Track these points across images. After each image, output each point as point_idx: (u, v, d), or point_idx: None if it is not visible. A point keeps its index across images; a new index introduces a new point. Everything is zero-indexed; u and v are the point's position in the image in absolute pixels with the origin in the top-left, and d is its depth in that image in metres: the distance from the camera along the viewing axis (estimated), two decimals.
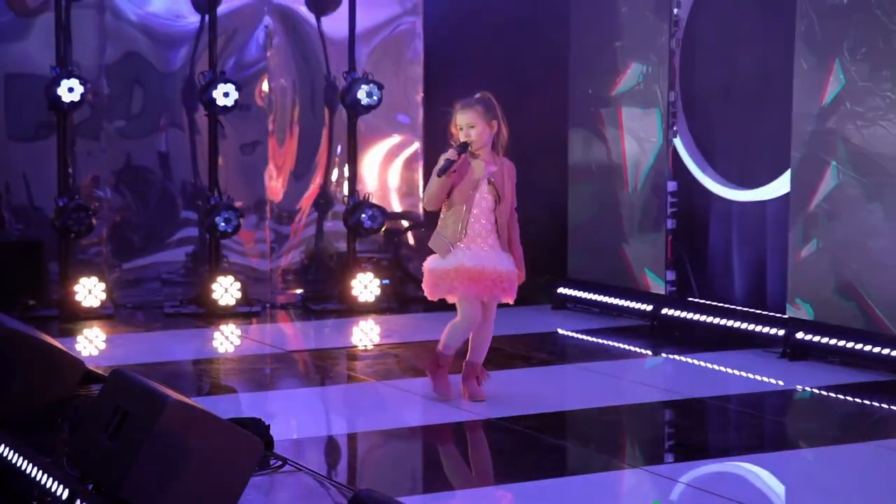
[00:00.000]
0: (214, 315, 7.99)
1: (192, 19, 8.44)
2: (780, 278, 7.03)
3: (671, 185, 7.65)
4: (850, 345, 6.44)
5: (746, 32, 7.31)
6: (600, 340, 7.41)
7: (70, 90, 7.68)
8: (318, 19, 8.73)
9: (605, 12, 8.03)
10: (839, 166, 6.55)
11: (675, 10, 7.60)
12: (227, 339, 7.53)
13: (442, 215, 5.66)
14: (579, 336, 7.57)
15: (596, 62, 8.12)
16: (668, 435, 5.64)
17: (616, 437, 5.50)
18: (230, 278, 8.10)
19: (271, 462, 4.68)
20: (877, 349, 6.32)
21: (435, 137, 8.74)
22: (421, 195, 8.87)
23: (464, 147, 5.54)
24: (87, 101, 7.90)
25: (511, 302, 5.69)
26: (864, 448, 5.19)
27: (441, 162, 5.51)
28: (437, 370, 5.75)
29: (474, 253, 5.55)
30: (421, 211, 8.95)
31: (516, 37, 8.65)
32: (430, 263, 5.67)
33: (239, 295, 8.10)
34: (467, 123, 5.57)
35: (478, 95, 5.64)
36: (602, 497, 4.61)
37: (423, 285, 5.69)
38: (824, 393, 6.08)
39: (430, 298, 5.70)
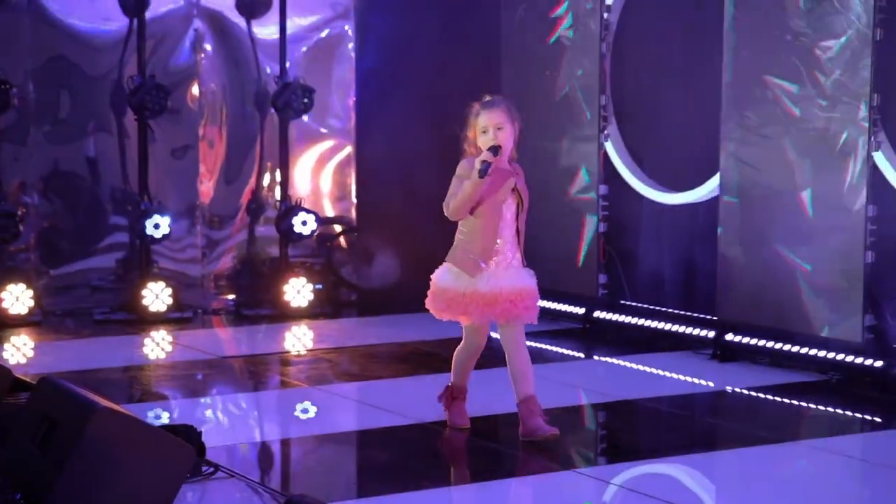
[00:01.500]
0: (145, 321, 7.92)
1: (121, 23, 8.35)
2: (710, 281, 7.11)
3: (602, 189, 7.71)
4: (778, 346, 6.53)
5: (675, 37, 7.38)
6: (533, 343, 7.43)
7: None
8: (248, 23, 8.69)
9: (536, 13, 8.07)
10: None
11: (605, 15, 7.66)
12: (158, 345, 7.46)
13: (463, 228, 5.17)
14: None
15: (528, 63, 8.15)
16: (600, 437, 5.68)
17: (548, 440, 5.51)
18: (161, 284, 8.03)
19: (203, 469, 4.64)
20: (804, 350, 6.41)
21: (367, 141, 8.75)
22: (354, 199, 8.86)
23: (496, 150, 5.02)
24: (14, 106, 7.79)
25: (535, 322, 5.19)
26: (793, 448, 5.27)
27: (477, 165, 4.99)
28: (451, 402, 5.37)
29: (492, 273, 5.08)
30: (354, 215, 8.93)
31: (448, 40, 8.66)
32: (442, 281, 5.17)
33: (170, 301, 8.03)
34: (495, 125, 5.05)
35: (490, 98, 5.17)
36: (534, 500, 4.63)
37: (432, 303, 5.20)
38: (753, 393, 6.16)
39: (438, 318, 5.25)
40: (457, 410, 5.36)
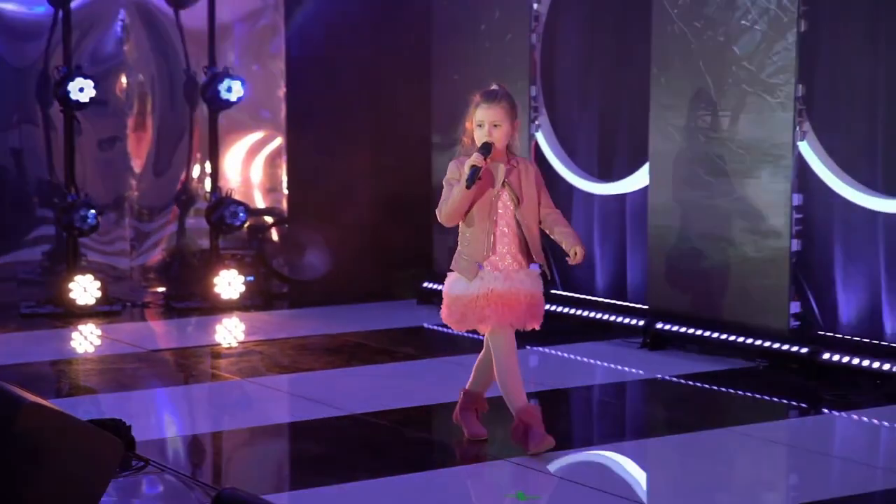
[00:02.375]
0: (73, 315, 7.82)
1: (46, 12, 8.22)
2: (640, 270, 7.17)
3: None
4: (707, 334, 6.60)
5: (605, 26, 7.42)
6: (465, 334, 7.45)
7: None
8: (176, 13, 8.60)
9: (467, 5, 8.08)
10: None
11: (535, 6, 7.68)
12: (86, 339, 7.37)
13: (461, 232, 4.91)
14: (445, 330, 7.59)
15: (460, 56, 8.16)
16: None
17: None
18: (89, 277, 7.93)
19: (133, 463, 4.60)
20: (732, 337, 6.49)
21: (298, 132, 8.71)
22: (285, 190, 8.82)
23: (487, 149, 4.74)
24: None
25: (538, 328, 4.91)
26: (722, 434, 5.33)
27: (466, 170, 4.72)
28: (528, 430, 4.81)
29: (506, 274, 4.80)
30: (285, 207, 8.89)
31: (379, 31, 8.64)
32: (453, 289, 4.86)
33: (99, 294, 7.94)
34: (492, 121, 4.79)
35: (496, 87, 4.88)
36: (467, 489, 4.64)
37: (447, 315, 4.90)
38: (683, 381, 6.22)
39: (455, 329, 4.94)
40: (535, 436, 4.81)
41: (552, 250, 7.74)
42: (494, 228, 4.82)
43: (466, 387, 5.07)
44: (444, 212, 4.85)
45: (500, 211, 4.82)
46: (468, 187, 4.72)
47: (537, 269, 4.88)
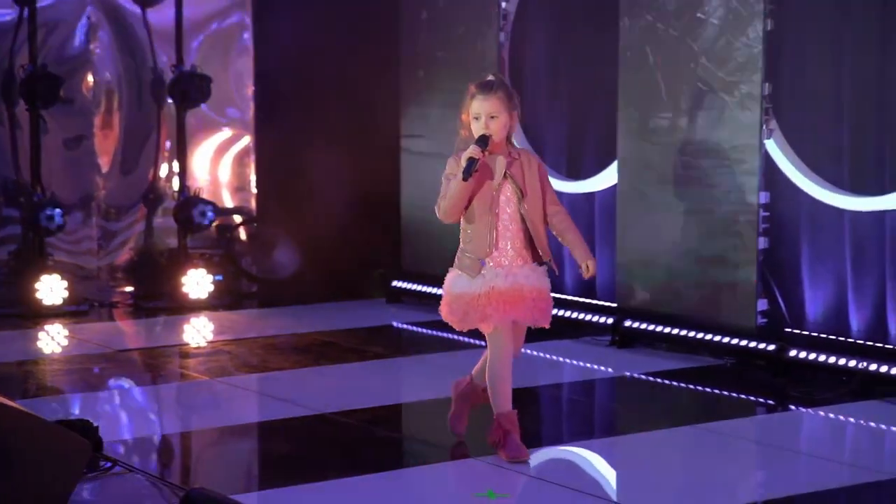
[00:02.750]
0: (40, 315, 7.76)
1: (12, 10, 8.16)
2: (609, 268, 7.19)
3: None
4: (675, 331, 6.63)
5: (573, 24, 7.44)
6: (435, 333, 7.46)
7: None
8: (143, 11, 8.56)
9: (436, 3, 8.08)
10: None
11: (504, 4, 7.69)
12: (53, 339, 7.32)
13: (462, 228, 4.77)
14: (414, 329, 7.61)
15: (428, 54, 8.16)
16: None
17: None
18: (56, 277, 7.88)
19: (101, 464, 4.57)
20: (700, 335, 6.52)
21: (266, 131, 8.68)
22: (253, 189, 8.79)
23: (485, 141, 4.61)
24: None
25: (547, 326, 4.76)
26: (690, 431, 5.36)
27: (463, 162, 4.60)
28: (506, 437, 4.73)
29: (508, 270, 4.66)
30: (253, 206, 8.86)
31: (348, 27, 8.62)
32: (454, 287, 4.71)
33: (66, 294, 7.88)
34: (488, 113, 4.64)
35: (491, 78, 4.74)
36: (437, 488, 4.64)
37: (448, 314, 4.75)
38: (652, 379, 6.25)
39: (458, 329, 4.76)
40: (512, 443, 4.70)
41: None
42: (496, 223, 4.67)
43: (473, 373, 4.93)
44: (443, 207, 4.72)
45: (501, 205, 4.68)
46: (465, 180, 4.59)
47: (542, 265, 4.74)
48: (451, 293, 4.73)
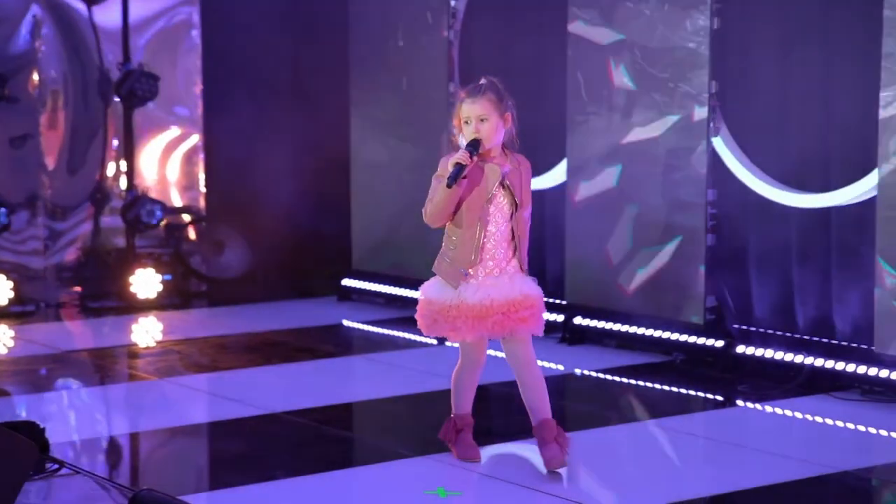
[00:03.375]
0: None
1: None
2: (558, 266, 7.22)
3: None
4: (624, 328, 6.67)
5: (522, 21, 7.46)
6: (386, 331, 7.46)
7: None
8: (89, 9, 8.47)
9: (385, 2, 8.07)
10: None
11: (453, 3, 7.69)
12: None
13: (447, 233, 4.59)
14: (365, 327, 7.60)
15: (375, 52, 8.15)
16: None
17: (402, 426, 5.55)
18: (2, 277, 7.80)
19: (48, 466, 4.53)
20: (649, 332, 6.57)
21: (215, 129, 8.63)
22: (202, 188, 8.73)
23: (475, 146, 4.43)
24: None
25: (540, 334, 4.59)
26: (639, 427, 5.40)
27: (450, 167, 4.41)
28: (456, 435, 4.77)
29: (481, 283, 4.49)
30: (202, 205, 8.81)
31: (297, 25, 8.60)
32: (428, 293, 4.59)
33: (12, 294, 7.81)
34: (477, 116, 4.46)
35: (483, 81, 4.55)
36: (388, 486, 4.64)
37: (419, 318, 4.62)
38: (601, 375, 6.28)
39: (425, 334, 4.67)
40: (464, 443, 4.76)
41: None
42: (483, 233, 4.49)
43: (533, 423, 4.67)
44: (429, 212, 4.51)
45: (491, 214, 4.49)
46: (449, 187, 4.39)
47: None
48: (423, 298, 4.61)
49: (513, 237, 4.53)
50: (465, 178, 4.43)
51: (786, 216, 6.20)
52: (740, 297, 6.41)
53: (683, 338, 6.43)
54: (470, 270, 4.52)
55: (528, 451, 4.95)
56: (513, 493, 4.47)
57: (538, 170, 7.34)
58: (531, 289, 4.53)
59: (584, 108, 6.87)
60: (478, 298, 4.47)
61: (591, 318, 6.85)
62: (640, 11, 6.56)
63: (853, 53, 5.88)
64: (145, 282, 8.11)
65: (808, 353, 5.95)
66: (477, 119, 4.47)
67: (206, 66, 8.67)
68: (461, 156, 4.42)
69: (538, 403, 4.60)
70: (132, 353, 6.99)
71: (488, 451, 4.91)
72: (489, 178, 4.49)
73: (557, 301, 7.16)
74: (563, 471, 4.62)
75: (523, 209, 4.53)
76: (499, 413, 5.86)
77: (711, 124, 6.35)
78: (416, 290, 7.74)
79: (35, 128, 8.41)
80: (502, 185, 4.50)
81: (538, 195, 7.37)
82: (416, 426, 5.56)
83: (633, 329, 6.64)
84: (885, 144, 5.60)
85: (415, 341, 7.22)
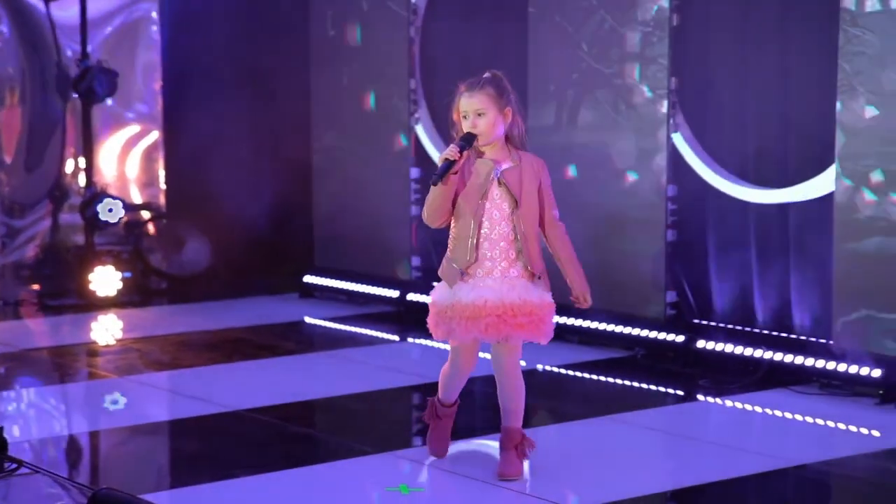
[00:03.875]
0: None
1: None
2: None
3: (414, 172, 7.76)
4: (586, 324, 6.69)
5: (483, 18, 7.46)
6: (348, 328, 7.45)
7: None
8: (46, 5, 8.40)
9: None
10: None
11: (413, 0, 7.69)
12: None
13: (450, 232, 4.44)
14: (327, 324, 7.58)
15: (336, 49, 8.13)
16: (415, 419, 5.72)
17: (365, 423, 5.54)
18: None
19: (6, 465, 4.49)
20: (611, 327, 6.59)
21: (175, 126, 8.57)
22: (162, 185, 8.68)
23: (468, 140, 4.31)
24: None
25: (543, 342, 4.47)
26: (601, 422, 5.42)
27: (439, 163, 4.31)
28: (436, 421, 4.69)
29: (476, 282, 4.36)
30: (162, 201, 8.75)
31: (257, 21, 8.56)
32: (434, 295, 4.46)
33: None
34: (475, 110, 4.32)
35: (487, 74, 4.41)
36: (351, 483, 4.64)
37: (428, 321, 4.50)
38: (564, 371, 6.30)
39: (435, 338, 4.55)
40: (437, 434, 4.69)
41: (434, 244, 7.78)
42: (479, 231, 4.35)
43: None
44: (426, 214, 4.39)
45: (487, 211, 4.35)
46: (434, 184, 4.28)
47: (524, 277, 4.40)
48: (430, 301, 4.48)
49: (515, 237, 4.37)
50: (455, 173, 4.31)
51: (745, 211, 6.24)
52: (700, 292, 6.45)
53: (644, 333, 6.46)
54: (468, 270, 4.38)
55: (490, 447, 4.95)
56: (475, 489, 4.47)
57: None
58: (532, 294, 4.38)
59: (545, 103, 6.88)
60: (471, 298, 4.34)
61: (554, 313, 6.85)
62: (599, 7, 6.57)
63: (811, 50, 5.93)
64: (105, 279, 8.06)
65: (768, 347, 5.99)
66: (474, 113, 4.34)
67: (166, 63, 8.61)
68: (450, 151, 4.29)
69: (510, 411, 4.55)
70: (92, 351, 6.94)
71: (452, 447, 4.91)
72: (481, 173, 4.35)
73: None
74: (525, 464, 4.62)
75: (524, 207, 4.37)
76: (461, 409, 5.86)
77: (671, 120, 6.38)
78: (378, 286, 7.81)
79: None
80: (498, 181, 4.37)
81: None
82: (379, 423, 5.56)
83: (594, 325, 6.66)
84: (842, 140, 5.65)
85: (377, 338, 7.22)
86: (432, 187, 4.33)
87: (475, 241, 4.36)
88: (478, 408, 5.84)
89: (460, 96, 4.38)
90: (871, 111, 5.55)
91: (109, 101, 8.25)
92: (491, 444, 4.98)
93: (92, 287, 8.03)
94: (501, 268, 4.39)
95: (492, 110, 4.34)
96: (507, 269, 4.40)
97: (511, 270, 4.40)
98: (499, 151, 4.41)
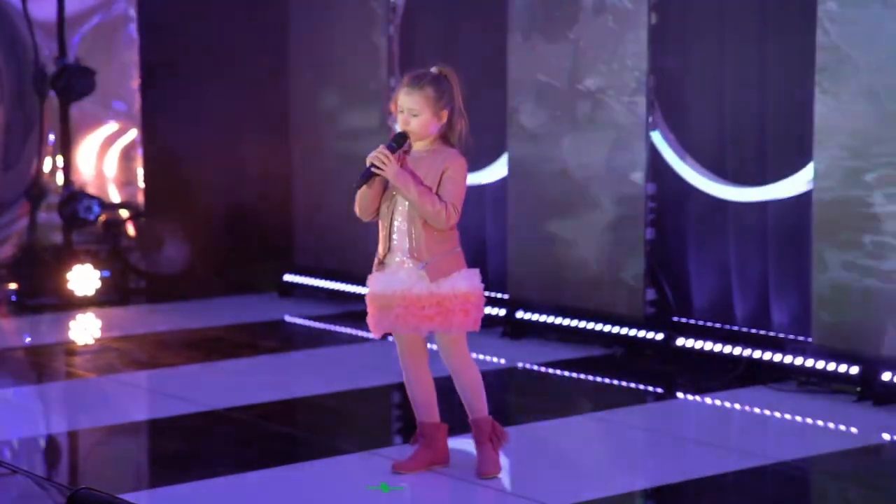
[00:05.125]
0: None
1: None
2: (500, 260, 7.24)
3: None
4: (566, 322, 6.70)
5: (463, 17, 7.46)
6: (328, 326, 7.44)
7: None
8: (23, 2, 8.36)
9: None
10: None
11: None
12: None
13: None
14: (306, 323, 7.57)
15: (319, 46, 8.12)
16: (396, 417, 5.72)
17: (345, 422, 5.54)
18: None
19: None
20: (590, 325, 6.60)
21: (153, 125, 8.55)
22: (140, 183, 8.66)
23: (399, 141, 4.34)
24: None
25: (452, 333, 4.41)
26: (581, 420, 5.43)
27: (367, 163, 4.32)
28: (420, 442, 4.62)
29: (389, 273, 4.40)
30: (141, 200, 8.72)
31: (235, 19, 8.53)
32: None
33: None
34: (410, 109, 4.32)
35: (434, 70, 4.39)
36: (330, 482, 4.63)
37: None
38: (543, 369, 6.31)
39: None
40: (412, 455, 4.60)
41: None
42: (391, 223, 4.39)
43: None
44: (356, 207, 4.44)
45: (397, 204, 4.38)
46: (356, 188, 4.34)
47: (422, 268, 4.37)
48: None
49: (411, 229, 4.37)
50: (378, 176, 4.32)
51: (724, 209, 6.26)
52: (679, 290, 6.47)
53: (624, 331, 6.47)
54: (384, 261, 4.42)
55: (470, 445, 4.95)
56: (454, 487, 4.48)
57: (479, 164, 7.35)
58: (440, 286, 4.34)
59: (524, 102, 6.88)
60: (380, 288, 4.39)
61: (533, 311, 6.87)
62: (578, 5, 6.58)
63: (789, 48, 5.95)
64: (83, 278, 8.03)
65: (747, 344, 6.01)
66: (409, 111, 4.33)
67: (144, 61, 8.58)
68: (377, 155, 4.30)
69: (470, 402, 4.54)
70: (70, 350, 6.91)
71: None
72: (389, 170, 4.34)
73: (500, 295, 7.17)
74: (504, 462, 4.62)
75: (426, 202, 4.31)
76: (441, 406, 5.86)
77: (650, 118, 6.39)
78: (358, 285, 7.80)
79: None
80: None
81: (479, 190, 7.39)
82: (359, 422, 5.56)
83: (574, 322, 6.67)
84: (819, 138, 5.67)
85: (357, 336, 7.21)
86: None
87: (388, 233, 4.40)
88: (457, 406, 5.84)
89: (400, 89, 4.36)
90: (848, 109, 5.57)
91: (87, 100, 8.21)
92: (469, 442, 4.99)
93: (70, 286, 7.99)
94: (398, 258, 4.39)
95: (426, 112, 4.31)
96: (403, 260, 4.39)
97: (404, 263, 4.38)
98: (427, 147, 4.39)
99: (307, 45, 8.20)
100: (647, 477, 4.75)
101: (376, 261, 4.47)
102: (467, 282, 4.41)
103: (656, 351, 6.34)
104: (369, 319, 4.47)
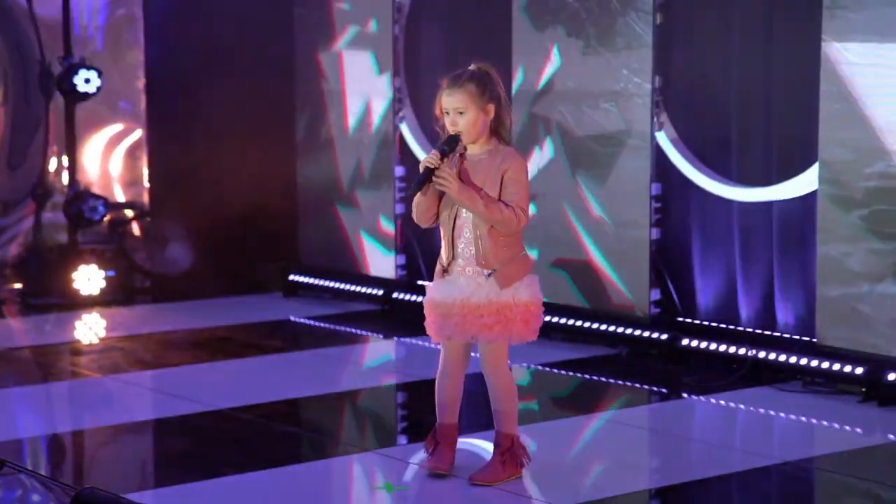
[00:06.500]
0: None
1: None
2: None
3: (398, 171, 7.75)
4: (570, 322, 6.70)
5: (467, 17, 7.46)
6: (333, 326, 7.45)
7: None
8: (28, 2, 8.37)
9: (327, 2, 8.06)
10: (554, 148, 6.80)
11: None
12: None
13: None
14: (312, 323, 7.58)
15: (323, 47, 8.12)
16: (401, 417, 5.72)
17: (350, 422, 5.54)
18: None
19: None
20: (595, 325, 6.60)
21: (158, 125, 8.56)
22: (146, 183, 8.67)
23: (451, 144, 4.25)
24: None
25: (512, 342, 4.41)
26: (586, 420, 5.43)
27: (421, 168, 4.25)
28: (434, 446, 4.55)
29: (450, 280, 4.34)
30: (146, 200, 8.73)
31: (240, 19, 8.54)
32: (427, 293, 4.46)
33: None
34: (455, 108, 4.26)
35: (472, 68, 4.35)
36: (335, 482, 4.64)
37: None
38: (547, 369, 6.31)
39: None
40: (439, 454, 4.51)
41: (418, 242, 7.78)
42: (453, 229, 4.31)
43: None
44: (413, 213, 4.37)
45: (460, 213, 4.30)
46: (413, 193, 4.27)
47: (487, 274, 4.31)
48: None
49: (476, 235, 4.30)
50: (432, 182, 4.23)
51: (729, 210, 6.26)
52: (685, 290, 6.46)
53: (629, 331, 6.47)
54: (448, 268, 4.35)
55: (476, 446, 4.96)
56: (459, 487, 4.48)
57: None
58: (500, 294, 4.29)
59: (525, 100, 6.88)
60: (441, 296, 4.35)
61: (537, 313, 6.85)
62: (584, 3, 6.58)
63: (796, 49, 5.94)
64: (88, 278, 8.04)
65: (751, 345, 6.01)
66: (454, 111, 4.27)
67: (149, 61, 8.59)
68: (429, 159, 4.24)
69: (498, 413, 4.50)
70: (75, 350, 6.92)
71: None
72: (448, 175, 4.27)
73: None
74: (508, 473, 4.59)
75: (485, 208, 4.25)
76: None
77: (655, 119, 6.39)
78: (363, 285, 7.80)
79: None
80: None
81: None
82: (364, 422, 5.56)
83: (578, 323, 6.67)
84: (825, 138, 5.67)
85: (362, 336, 7.22)
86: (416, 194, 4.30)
87: (451, 239, 4.33)
88: (462, 408, 5.85)
89: (442, 92, 4.32)
90: (854, 109, 5.57)
91: (93, 100, 8.22)
92: (476, 442, 4.99)
93: (75, 286, 8.01)
94: (462, 265, 4.34)
95: (472, 108, 4.27)
96: (465, 266, 4.33)
97: (468, 269, 4.33)
98: (483, 146, 4.34)
99: (312, 48, 8.19)
100: (651, 477, 4.75)
101: (439, 267, 4.40)
102: (528, 290, 4.36)
103: (661, 351, 6.34)
104: (429, 325, 4.42)
